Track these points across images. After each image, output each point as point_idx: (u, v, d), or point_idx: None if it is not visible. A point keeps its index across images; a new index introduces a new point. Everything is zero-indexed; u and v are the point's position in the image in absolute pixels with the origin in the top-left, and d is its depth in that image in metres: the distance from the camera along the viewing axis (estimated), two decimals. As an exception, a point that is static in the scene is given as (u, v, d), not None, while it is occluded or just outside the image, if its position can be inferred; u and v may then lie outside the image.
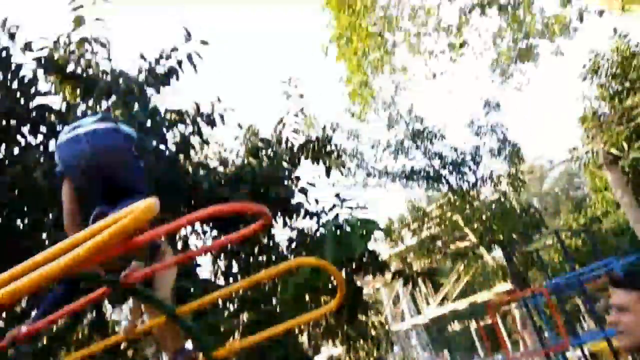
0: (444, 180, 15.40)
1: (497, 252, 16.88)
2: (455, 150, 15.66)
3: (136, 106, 6.33)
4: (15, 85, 5.73)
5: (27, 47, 5.99)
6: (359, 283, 8.78)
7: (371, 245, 8.03)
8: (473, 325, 19.47)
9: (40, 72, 6.09)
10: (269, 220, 2.13)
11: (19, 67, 5.96)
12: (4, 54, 5.72)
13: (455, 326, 20.80)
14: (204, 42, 7.07)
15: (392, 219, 16.83)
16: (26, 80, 5.82)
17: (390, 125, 15.23)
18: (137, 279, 2.27)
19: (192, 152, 7.54)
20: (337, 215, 7.65)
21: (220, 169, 7.23)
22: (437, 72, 14.84)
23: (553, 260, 19.78)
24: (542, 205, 31.75)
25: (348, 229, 6.93)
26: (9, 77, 5.71)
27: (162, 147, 6.21)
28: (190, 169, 6.58)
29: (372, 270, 7.35)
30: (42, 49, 6.12)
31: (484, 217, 15.03)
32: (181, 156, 6.73)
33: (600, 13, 11.27)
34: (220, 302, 6.35)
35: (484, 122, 15.64)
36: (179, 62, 6.96)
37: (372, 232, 7.42)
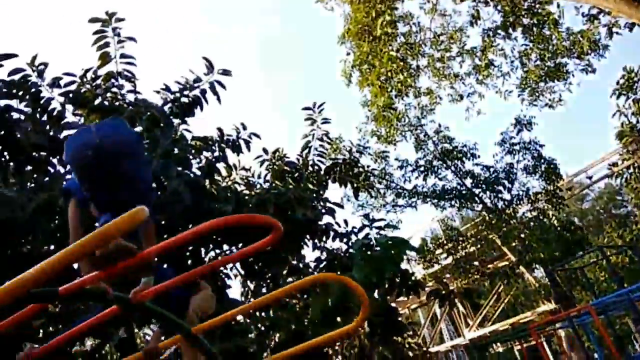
0: (477, 199, 14.97)
1: (539, 272, 16.15)
2: (488, 168, 15.27)
3: (162, 135, 6.45)
4: (44, 118, 5.92)
5: (55, 83, 6.21)
6: (393, 304, 8.48)
7: (404, 265, 7.78)
8: (517, 346, 18.49)
9: (68, 106, 6.30)
10: (280, 232, 2.05)
11: (48, 101, 6.19)
12: (33, 89, 5.94)
13: (498, 348, 19.77)
14: (225, 72, 7.19)
15: (426, 238, 16.43)
16: (55, 113, 6.02)
17: (418, 146, 15.05)
18: (147, 296, 2.20)
19: (219, 178, 7.60)
20: (367, 235, 7.50)
21: (246, 192, 7.20)
22: (464, 93, 14.76)
23: (598, 279, 18.73)
24: (583, 223, 30.48)
25: (378, 248, 6.76)
26: (39, 110, 5.91)
27: (187, 172, 6.25)
28: (216, 193, 6.57)
29: (406, 290, 7.09)
30: (69, 83, 6.33)
31: (522, 235, 14.46)
32: (207, 181, 6.75)
33: (631, 27, 10.90)
34: (251, 325, 6.24)
35: (516, 139, 15.25)
36: (203, 92, 7.08)
37: (404, 252, 7.21)
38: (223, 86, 6.94)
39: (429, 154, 15.09)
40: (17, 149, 5.92)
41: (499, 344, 19.04)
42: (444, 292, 7.43)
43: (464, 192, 14.88)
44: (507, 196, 15.07)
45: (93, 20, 6.59)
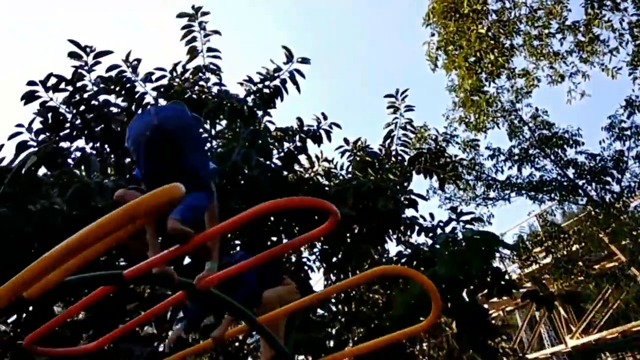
0: (581, 192, 13.60)
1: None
2: (594, 157, 13.79)
3: (243, 126, 6.58)
4: (139, 111, 6.26)
5: (148, 77, 6.55)
6: (485, 305, 7.98)
7: (497, 263, 7.27)
8: (630, 358, 16.66)
9: (160, 99, 6.62)
10: (336, 217, 1.97)
11: (142, 96, 6.55)
12: (128, 85, 6.32)
13: (607, 358, 17.96)
14: (304, 61, 7.15)
15: (522, 235, 15.18)
16: (148, 107, 6.34)
17: (512, 133, 13.96)
18: (211, 282, 2.17)
19: (301, 169, 7.62)
20: (453, 230, 7.11)
21: (326, 182, 7.13)
22: (565, 73, 13.41)
23: None
24: None
25: (465, 243, 6.35)
26: (134, 104, 6.27)
27: (267, 162, 6.30)
28: (295, 184, 6.57)
29: (497, 290, 6.59)
30: (160, 78, 6.65)
31: (634, 232, 12.91)
32: (287, 172, 6.78)
33: None
34: (331, 319, 6.18)
35: (627, 124, 13.57)
36: (283, 82, 7.10)
37: (494, 248, 6.73)
38: (302, 75, 6.91)
39: (525, 141, 13.88)
40: (116, 141, 6.34)
41: (607, 353, 17.31)
42: (541, 293, 6.81)
43: (565, 183, 13.54)
44: (616, 188, 13.48)
45: (181, 15, 6.86)
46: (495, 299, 8.02)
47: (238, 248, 5.96)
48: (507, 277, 6.85)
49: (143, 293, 5.61)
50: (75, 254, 1.14)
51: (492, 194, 13.96)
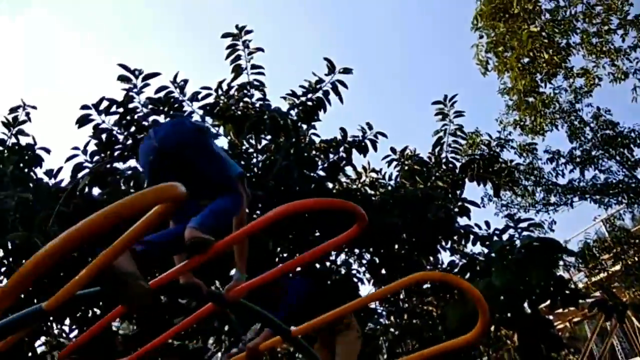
0: (652, 194, 12.58)
1: None
2: (664, 156, 12.76)
3: (288, 140, 6.61)
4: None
5: (195, 97, 6.74)
6: (550, 316, 7.51)
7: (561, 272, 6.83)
8: None
9: (207, 117, 6.79)
10: (364, 221, 1.87)
11: (190, 115, 6.74)
12: (176, 105, 6.52)
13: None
14: (346, 71, 7.11)
15: (588, 241, 14.18)
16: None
17: (572, 134, 13.17)
18: (240, 293, 2.12)
19: (348, 180, 7.51)
20: (510, 237, 6.76)
21: (371, 192, 7.00)
22: (629, 70, 12.59)
23: None
24: None
25: (523, 251, 6.00)
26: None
27: (311, 175, 6.28)
28: (339, 195, 6.49)
29: (561, 300, 6.16)
30: (206, 96, 6.83)
31: None
32: (331, 183, 6.73)
33: None
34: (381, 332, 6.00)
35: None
36: (325, 93, 7.09)
37: (557, 256, 6.32)
38: (345, 85, 6.87)
39: (587, 142, 13.08)
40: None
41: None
42: (610, 303, 6.30)
43: (633, 185, 12.60)
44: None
45: (225, 35, 7.02)
46: (560, 310, 7.52)
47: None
48: (572, 286, 6.40)
49: (190, 306, 5.69)
50: (52, 262, 1.12)
51: (552, 199, 13.22)
